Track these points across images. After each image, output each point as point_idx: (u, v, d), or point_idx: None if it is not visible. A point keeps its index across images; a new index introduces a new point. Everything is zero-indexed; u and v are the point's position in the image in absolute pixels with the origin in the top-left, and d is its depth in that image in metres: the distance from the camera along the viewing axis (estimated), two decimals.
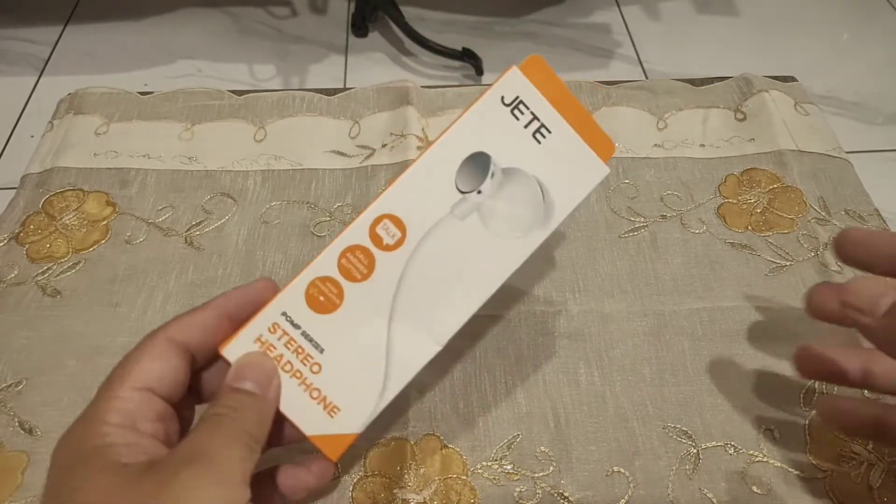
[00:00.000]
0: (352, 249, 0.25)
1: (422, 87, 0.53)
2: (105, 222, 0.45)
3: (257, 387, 0.23)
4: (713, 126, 0.51)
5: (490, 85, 0.27)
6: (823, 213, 0.45)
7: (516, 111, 0.26)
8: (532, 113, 0.26)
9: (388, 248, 0.25)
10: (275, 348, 0.25)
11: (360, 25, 0.63)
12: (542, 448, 0.35)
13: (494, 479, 0.34)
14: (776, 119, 0.50)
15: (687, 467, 0.34)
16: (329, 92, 0.53)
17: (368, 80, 0.55)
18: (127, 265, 0.43)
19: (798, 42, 0.64)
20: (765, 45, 0.64)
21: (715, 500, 0.33)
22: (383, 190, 0.26)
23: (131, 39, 0.63)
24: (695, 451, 0.35)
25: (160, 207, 0.46)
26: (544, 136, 0.26)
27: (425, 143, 0.49)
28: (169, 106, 0.52)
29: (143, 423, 0.22)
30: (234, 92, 0.53)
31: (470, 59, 0.59)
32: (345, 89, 0.54)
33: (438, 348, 0.26)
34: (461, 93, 0.53)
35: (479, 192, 0.26)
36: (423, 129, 0.50)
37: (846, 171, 0.48)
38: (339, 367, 0.25)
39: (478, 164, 0.26)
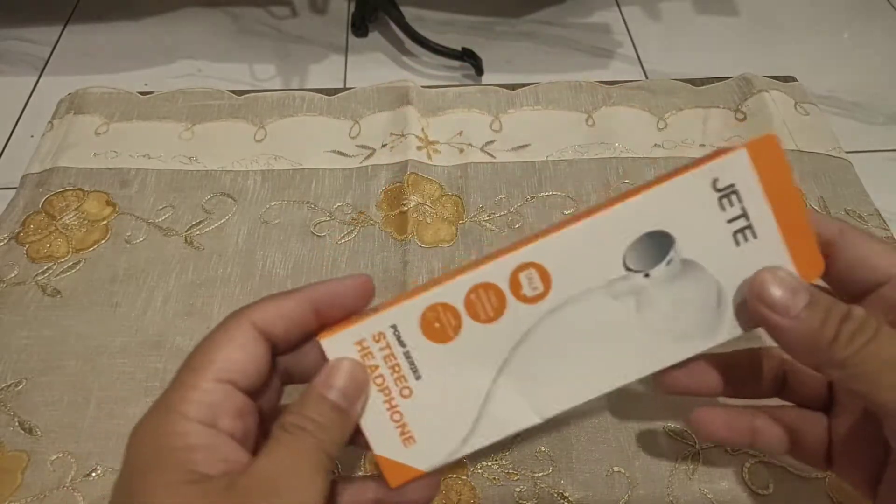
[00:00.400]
0: (485, 287, 0.23)
1: (422, 86, 0.53)
2: (105, 222, 0.45)
3: (345, 399, 0.22)
4: (713, 126, 0.51)
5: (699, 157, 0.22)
6: (824, 213, 0.45)
7: (725, 200, 0.22)
8: (743, 208, 0.22)
9: (524, 298, 0.23)
10: (373, 357, 0.23)
11: (360, 25, 0.63)
12: (542, 448, 0.35)
13: (494, 478, 0.34)
14: (776, 119, 0.50)
15: (687, 467, 0.34)
16: (329, 92, 0.53)
17: (368, 79, 0.55)
18: (127, 265, 0.43)
19: (798, 42, 0.64)
20: (765, 45, 0.63)
21: (715, 500, 0.33)
22: (538, 235, 0.23)
23: (131, 39, 0.63)
24: (695, 451, 0.35)
25: (160, 207, 0.46)
26: (746, 240, 0.22)
27: (425, 143, 0.49)
28: (169, 106, 0.52)
29: (223, 419, 0.21)
30: (234, 92, 0.53)
31: (470, 59, 0.59)
32: (345, 89, 0.54)
33: (538, 421, 0.23)
34: (461, 93, 0.53)
35: (648, 275, 0.22)
36: (423, 129, 0.50)
37: (846, 171, 0.48)
38: (430, 399, 0.23)
39: (657, 243, 0.22)
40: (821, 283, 0.24)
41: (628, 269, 0.22)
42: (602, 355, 0.23)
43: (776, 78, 0.54)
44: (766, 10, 0.67)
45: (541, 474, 0.34)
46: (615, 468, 0.35)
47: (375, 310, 0.23)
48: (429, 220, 0.45)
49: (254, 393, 0.23)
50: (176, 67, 0.61)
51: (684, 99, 0.53)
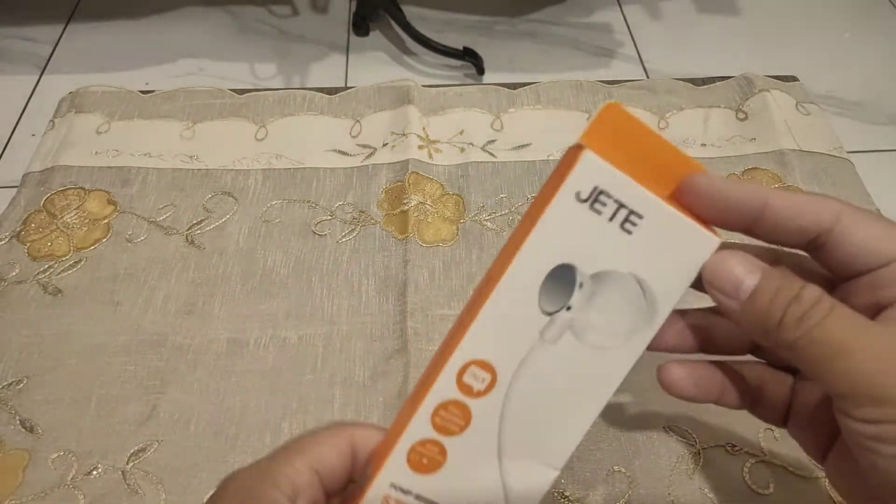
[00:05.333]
0: (444, 406, 0.23)
1: (423, 86, 0.53)
2: (106, 221, 0.45)
3: None
4: (714, 125, 0.51)
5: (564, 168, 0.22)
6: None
7: (596, 204, 0.22)
8: (616, 201, 0.21)
9: (479, 394, 0.23)
10: None
11: (361, 24, 0.63)
12: None
13: None
14: (777, 119, 0.50)
15: (687, 467, 0.34)
16: (330, 91, 0.53)
17: (369, 79, 0.55)
18: (128, 264, 0.43)
19: (799, 41, 0.64)
20: (766, 45, 0.63)
21: (715, 500, 0.33)
22: (461, 334, 0.23)
23: (132, 38, 0.63)
24: (695, 451, 0.35)
25: (161, 206, 0.46)
26: (634, 224, 0.22)
27: (426, 142, 0.49)
28: (170, 105, 0.52)
29: (302, 501, 0.22)
30: (235, 91, 0.53)
31: (471, 59, 0.59)
32: (346, 88, 0.54)
33: (556, 473, 0.23)
34: (462, 92, 0.53)
35: (568, 308, 0.22)
36: (424, 129, 0.50)
37: (847, 170, 0.48)
38: None
39: (561, 278, 0.22)
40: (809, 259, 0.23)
41: (548, 313, 0.22)
42: (574, 392, 0.23)
43: (777, 77, 0.54)
44: (768, 10, 0.67)
45: None
46: (615, 468, 0.35)
47: (369, 477, 0.24)
48: (430, 220, 0.45)
49: (330, 497, 0.24)
50: (177, 66, 0.61)
51: (685, 98, 0.53)
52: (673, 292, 0.23)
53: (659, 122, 0.51)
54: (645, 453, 0.35)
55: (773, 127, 0.50)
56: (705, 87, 0.54)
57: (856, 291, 0.22)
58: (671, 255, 0.22)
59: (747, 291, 0.21)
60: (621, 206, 0.22)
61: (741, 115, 0.52)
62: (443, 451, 0.23)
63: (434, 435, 0.23)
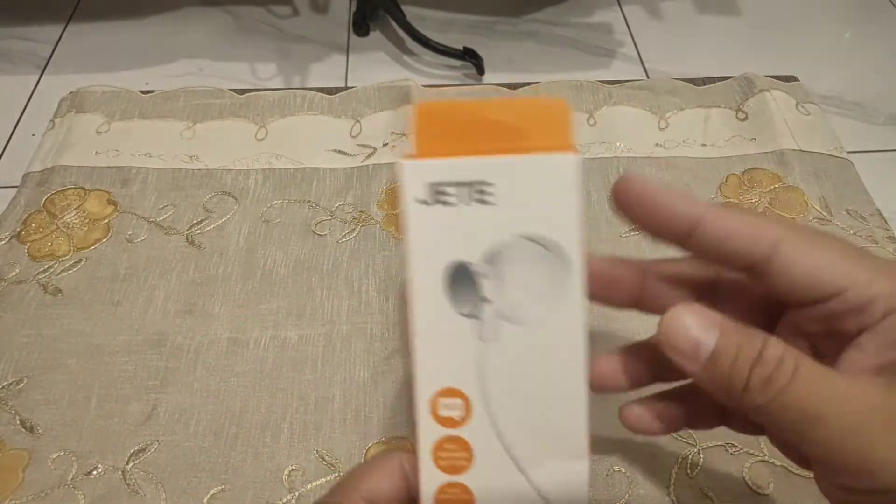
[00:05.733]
0: (439, 446, 0.23)
1: (423, 86, 0.53)
2: (106, 221, 0.45)
3: None
4: (714, 126, 0.51)
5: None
6: (825, 213, 0.45)
7: (443, 198, 0.21)
8: (456, 184, 0.21)
9: (463, 420, 0.23)
10: None
11: (361, 24, 0.63)
12: None
13: None
14: (777, 119, 0.50)
15: (687, 467, 0.34)
16: (330, 91, 0.53)
17: (370, 79, 0.55)
18: (128, 264, 0.43)
19: (800, 42, 0.64)
20: (766, 45, 0.63)
21: (715, 500, 0.33)
22: (414, 374, 0.23)
23: (133, 38, 0.63)
24: (695, 450, 0.35)
25: (161, 206, 0.46)
26: (490, 192, 0.21)
27: None
28: (170, 105, 0.52)
29: None
30: (235, 91, 0.53)
31: (471, 59, 0.59)
32: (346, 88, 0.54)
33: (585, 462, 0.22)
34: (462, 92, 0.53)
35: (486, 300, 0.22)
36: None
37: (847, 170, 0.48)
38: None
39: (459, 279, 0.22)
40: None
41: (471, 315, 0.22)
42: (548, 373, 0.22)
43: (778, 77, 0.54)
44: (768, 10, 0.67)
45: None
46: (615, 468, 0.35)
47: None
48: None
49: None
50: (177, 66, 0.61)
51: (686, 98, 0.53)
52: (568, 227, 0.22)
53: (659, 122, 0.51)
54: (645, 453, 0.35)
55: (774, 127, 0.50)
56: (705, 87, 0.54)
57: (806, 321, 0.21)
58: (541, 197, 0.21)
59: (707, 353, 0.20)
60: (463, 185, 0.21)
61: (741, 115, 0.52)
62: (466, 490, 0.23)
63: (448, 478, 0.23)
